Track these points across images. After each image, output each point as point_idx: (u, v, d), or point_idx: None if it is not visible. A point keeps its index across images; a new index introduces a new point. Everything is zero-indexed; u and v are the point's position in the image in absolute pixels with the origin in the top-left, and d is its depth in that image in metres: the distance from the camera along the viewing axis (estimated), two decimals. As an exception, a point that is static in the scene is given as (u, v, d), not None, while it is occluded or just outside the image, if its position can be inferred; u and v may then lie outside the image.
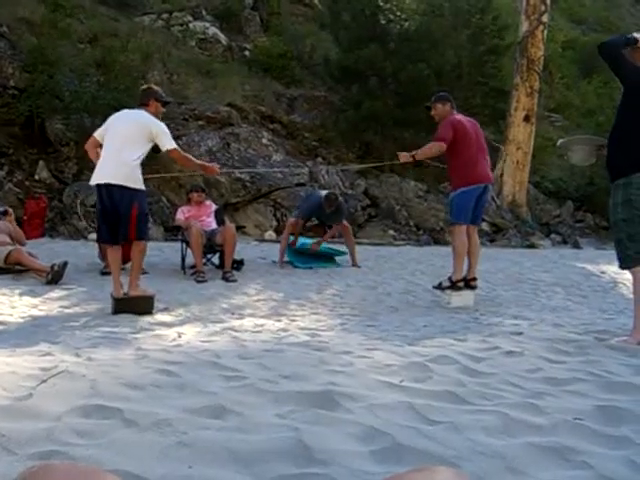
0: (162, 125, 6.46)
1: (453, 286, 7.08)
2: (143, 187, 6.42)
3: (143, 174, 6.42)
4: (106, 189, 6.27)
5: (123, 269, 7.17)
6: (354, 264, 10.20)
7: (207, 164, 7.29)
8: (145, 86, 7.07)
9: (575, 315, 6.52)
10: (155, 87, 7.01)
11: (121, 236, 6.41)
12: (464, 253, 7.07)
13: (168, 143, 6.38)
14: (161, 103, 6.78)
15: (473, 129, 7.20)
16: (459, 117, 7.23)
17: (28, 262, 8.10)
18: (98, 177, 6.36)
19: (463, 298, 7.10)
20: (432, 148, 7.04)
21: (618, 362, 3.70)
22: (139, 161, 6.33)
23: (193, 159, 6.90)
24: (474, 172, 7.02)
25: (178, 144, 6.98)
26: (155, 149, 6.54)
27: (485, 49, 19.45)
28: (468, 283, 7.17)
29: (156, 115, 6.58)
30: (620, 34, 4.78)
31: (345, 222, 10.48)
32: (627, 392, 3.01)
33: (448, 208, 7.17)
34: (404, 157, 7.12)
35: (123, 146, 6.29)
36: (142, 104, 6.62)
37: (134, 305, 6.15)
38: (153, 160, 6.47)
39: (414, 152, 7.10)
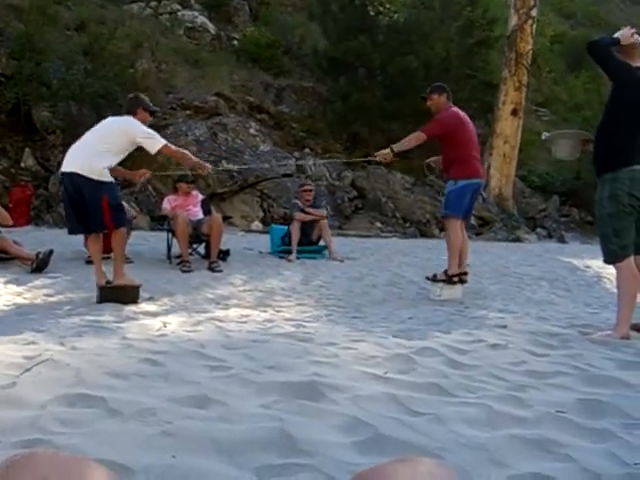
0: (147, 130, 6.50)
1: (449, 280, 7.09)
2: (110, 179, 6.39)
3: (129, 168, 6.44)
4: (71, 178, 6.27)
5: (108, 258, 7.15)
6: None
7: (202, 162, 7.29)
8: (132, 95, 7.06)
9: (559, 309, 6.56)
10: (142, 96, 7.03)
11: (95, 226, 6.40)
12: (459, 247, 7.07)
13: (156, 144, 6.40)
14: (148, 112, 6.82)
15: (471, 123, 7.26)
16: (458, 110, 7.24)
17: (13, 250, 8.04)
18: (65, 166, 6.36)
19: (453, 291, 7.12)
20: (413, 139, 7.07)
21: (601, 356, 3.73)
22: (108, 166, 6.32)
23: (188, 154, 6.99)
24: (475, 167, 7.09)
25: (165, 134, 6.99)
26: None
27: (474, 42, 19.43)
28: (460, 277, 7.19)
29: (143, 123, 6.60)
30: (607, 34, 4.81)
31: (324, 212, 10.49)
32: (609, 386, 3.04)
33: (444, 200, 7.16)
34: (383, 155, 7.16)
35: (98, 146, 6.28)
36: (129, 112, 6.62)
37: (119, 294, 6.14)
38: (140, 149, 6.44)
39: (394, 145, 7.12)
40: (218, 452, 2.04)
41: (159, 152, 6.56)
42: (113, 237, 6.52)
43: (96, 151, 6.25)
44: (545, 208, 18.70)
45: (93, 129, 6.57)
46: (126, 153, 6.52)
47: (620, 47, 4.58)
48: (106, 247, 6.89)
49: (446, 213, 7.14)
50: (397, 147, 7.10)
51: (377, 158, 7.36)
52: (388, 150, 7.09)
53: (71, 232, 6.86)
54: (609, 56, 4.57)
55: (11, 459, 0.75)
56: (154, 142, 6.42)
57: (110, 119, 6.73)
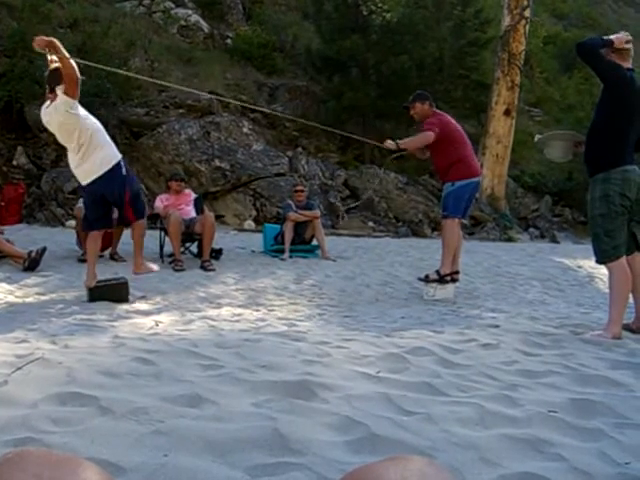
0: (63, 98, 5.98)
1: (441, 280, 7.09)
2: (119, 156, 6.33)
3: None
4: (93, 186, 6.27)
5: (101, 257, 7.15)
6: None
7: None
8: (53, 66, 6.16)
9: (551, 309, 6.57)
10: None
11: (118, 219, 6.54)
12: (454, 247, 7.08)
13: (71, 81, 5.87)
14: None
15: (458, 125, 7.28)
16: (444, 114, 7.27)
17: (5, 248, 8.02)
18: (84, 180, 6.33)
19: (446, 292, 7.12)
20: (420, 138, 7.06)
21: (592, 356, 3.74)
22: (91, 127, 6.19)
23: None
24: (472, 166, 7.11)
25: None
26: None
27: (467, 42, 19.46)
28: (452, 276, 7.19)
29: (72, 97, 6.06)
30: (597, 35, 4.85)
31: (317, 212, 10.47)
32: (600, 385, 3.05)
33: (443, 201, 7.15)
34: (389, 144, 7.09)
35: (77, 150, 6.20)
36: (55, 85, 6.09)
37: (109, 293, 6.11)
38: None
39: (400, 141, 7.09)
40: (210, 451, 2.04)
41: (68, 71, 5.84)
42: (134, 229, 6.64)
43: (83, 153, 6.18)
44: (537, 208, 18.74)
45: (60, 137, 6.30)
46: (85, 117, 6.20)
47: (612, 49, 4.60)
48: (101, 245, 6.90)
49: (445, 214, 7.12)
50: (404, 144, 7.08)
51: (384, 145, 7.26)
52: (395, 144, 7.04)
53: (87, 228, 6.76)
54: (599, 57, 4.59)
55: (2, 457, 0.75)
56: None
57: (47, 118, 6.28)
